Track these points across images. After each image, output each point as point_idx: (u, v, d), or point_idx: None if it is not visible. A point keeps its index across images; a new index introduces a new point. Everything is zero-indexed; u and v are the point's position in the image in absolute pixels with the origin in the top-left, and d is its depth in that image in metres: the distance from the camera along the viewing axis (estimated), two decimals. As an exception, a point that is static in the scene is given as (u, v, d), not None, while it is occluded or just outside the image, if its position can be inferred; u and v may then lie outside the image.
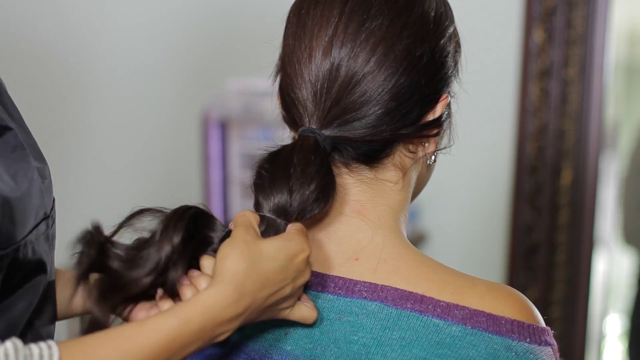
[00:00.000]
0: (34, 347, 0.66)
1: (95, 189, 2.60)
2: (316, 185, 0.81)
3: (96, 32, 2.55)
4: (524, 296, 0.83)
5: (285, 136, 0.90)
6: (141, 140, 2.61)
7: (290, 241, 0.79)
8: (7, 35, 2.51)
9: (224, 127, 2.41)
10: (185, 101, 2.54)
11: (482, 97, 2.25)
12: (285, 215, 0.81)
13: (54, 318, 0.92)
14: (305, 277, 0.81)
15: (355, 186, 0.87)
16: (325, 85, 0.83)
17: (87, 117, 2.60)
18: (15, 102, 0.91)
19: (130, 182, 2.63)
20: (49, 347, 0.67)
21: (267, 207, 0.82)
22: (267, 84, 0.92)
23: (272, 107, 0.91)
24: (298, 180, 0.81)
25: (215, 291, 0.75)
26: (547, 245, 2.29)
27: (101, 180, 2.61)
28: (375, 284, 0.83)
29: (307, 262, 0.80)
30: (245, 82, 2.32)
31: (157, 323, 0.72)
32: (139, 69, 2.57)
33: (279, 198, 0.81)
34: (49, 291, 0.88)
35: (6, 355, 0.64)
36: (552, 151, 2.25)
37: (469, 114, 2.19)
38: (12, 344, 0.65)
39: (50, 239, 0.87)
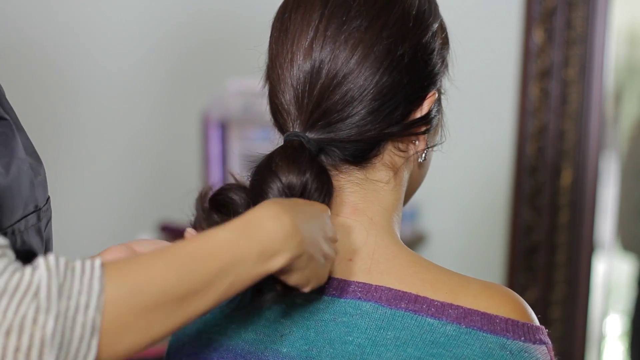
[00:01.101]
0: (76, 261, 0.66)
1: (96, 188, 2.61)
2: (311, 173, 0.81)
3: (96, 32, 2.56)
4: (517, 295, 0.83)
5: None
6: (141, 141, 2.61)
7: (312, 204, 0.80)
8: (5, 34, 2.51)
9: (224, 127, 2.41)
10: (185, 101, 2.55)
11: (481, 97, 2.25)
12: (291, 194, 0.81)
13: None
14: (336, 237, 0.81)
15: (347, 187, 0.87)
16: (307, 88, 0.83)
17: (87, 118, 2.60)
18: (18, 102, 0.92)
19: (130, 182, 2.63)
20: (92, 259, 0.66)
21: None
22: (266, 85, 0.92)
23: (264, 111, 0.91)
24: (287, 173, 0.80)
25: (259, 207, 0.74)
26: (547, 246, 2.29)
27: (101, 180, 2.61)
28: (369, 284, 0.83)
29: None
30: (245, 82, 2.32)
31: (206, 234, 0.72)
32: (139, 69, 2.57)
33: (276, 186, 0.80)
34: None
35: (47, 267, 0.63)
36: (552, 151, 2.25)
37: (469, 114, 2.19)
38: (54, 258, 0.65)
39: (42, 233, 0.87)
